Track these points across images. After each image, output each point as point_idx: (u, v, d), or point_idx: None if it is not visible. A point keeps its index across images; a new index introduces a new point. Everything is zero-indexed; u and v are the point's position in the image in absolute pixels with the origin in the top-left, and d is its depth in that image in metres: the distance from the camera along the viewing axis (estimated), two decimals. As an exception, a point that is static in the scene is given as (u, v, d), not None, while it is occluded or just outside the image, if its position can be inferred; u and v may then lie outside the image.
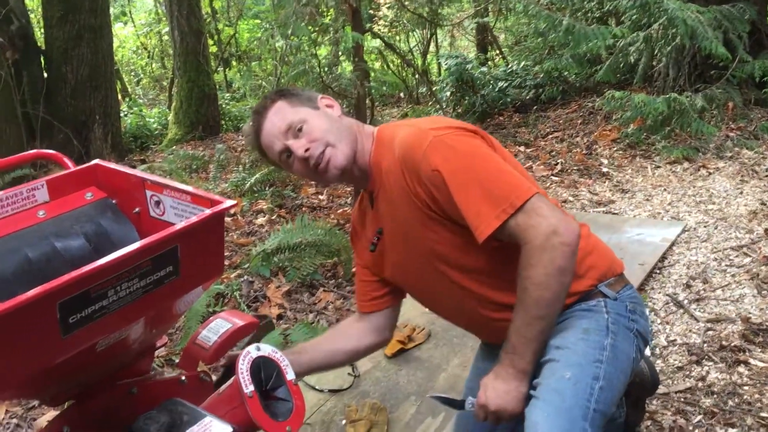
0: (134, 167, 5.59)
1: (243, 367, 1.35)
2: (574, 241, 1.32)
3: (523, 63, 7.89)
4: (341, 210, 4.68)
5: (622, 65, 6.33)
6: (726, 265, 3.20)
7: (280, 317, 3.15)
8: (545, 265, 1.30)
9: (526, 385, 1.39)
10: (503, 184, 1.36)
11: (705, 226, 3.71)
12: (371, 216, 1.66)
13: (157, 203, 1.45)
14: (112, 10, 8.53)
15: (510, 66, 8.15)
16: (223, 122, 8.69)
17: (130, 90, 11.75)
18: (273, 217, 4.62)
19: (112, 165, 1.54)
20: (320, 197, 5.15)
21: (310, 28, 4.89)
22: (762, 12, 5.87)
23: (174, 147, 7.49)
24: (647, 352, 2.52)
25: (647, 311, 2.80)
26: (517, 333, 1.37)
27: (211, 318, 1.63)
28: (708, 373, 2.37)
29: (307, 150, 1.51)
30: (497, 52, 9.73)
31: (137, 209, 1.50)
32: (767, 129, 5.14)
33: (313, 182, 5.47)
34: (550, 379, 1.38)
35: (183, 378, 1.54)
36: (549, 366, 1.42)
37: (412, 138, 1.45)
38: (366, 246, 1.71)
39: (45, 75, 6.28)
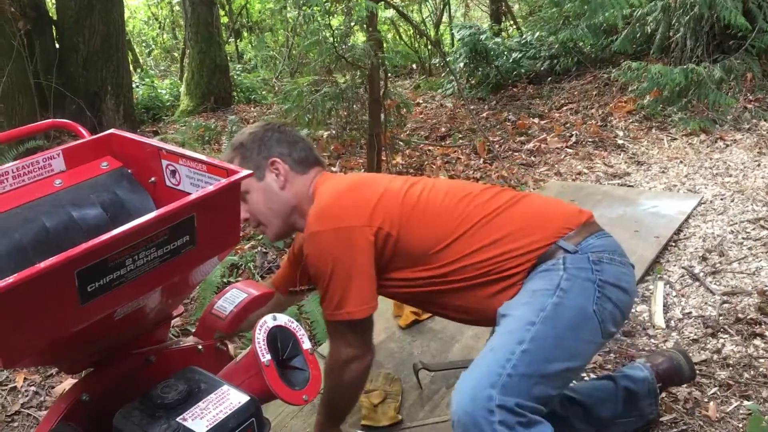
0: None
1: (260, 337, 1.35)
2: (363, 372, 1.68)
3: (537, 33, 7.76)
4: (354, 182, 4.66)
5: (638, 35, 6.23)
6: (742, 238, 3.17)
7: (293, 288, 3.16)
8: (334, 381, 1.69)
9: None
10: (338, 294, 1.59)
11: (721, 199, 3.67)
12: None
13: (173, 173, 1.44)
14: (122, -20, 8.44)
15: (524, 37, 8.03)
16: (234, 93, 8.65)
17: (141, 61, 11.71)
18: (286, 189, 4.61)
19: (128, 134, 1.53)
20: (333, 169, 5.14)
21: (322, -2, 4.82)
22: (784, -20, 5.73)
23: (186, 118, 7.47)
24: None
25: (662, 283, 2.78)
26: (319, 413, 1.82)
27: (226, 288, 1.63)
28: (723, 345, 2.36)
29: (246, 219, 1.77)
30: (511, 22, 9.59)
31: (153, 179, 1.49)
32: (786, 100, 5.06)
33: (326, 153, 5.46)
34: (478, 356, 1.47)
35: (200, 347, 1.55)
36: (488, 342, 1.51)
37: (308, 223, 1.64)
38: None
39: (57, 45, 6.26)
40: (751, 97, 5.23)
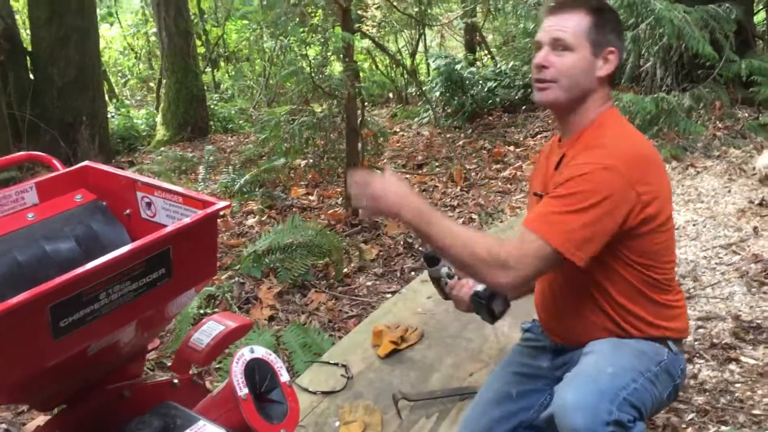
0: (122, 169, 5.52)
1: (237, 370, 1.33)
2: (508, 289, 1.54)
3: (511, 63, 7.90)
4: (332, 211, 4.67)
5: (610, 65, 6.35)
6: (715, 263, 3.21)
7: (271, 318, 3.13)
8: (490, 263, 1.45)
9: (396, 214, 1.50)
10: (553, 222, 1.47)
11: (694, 225, 3.72)
12: (551, 175, 1.71)
13: (149, 205, 1.43)
14: (98, 11, 8.46)
15: (499, 66, 8.16)
16: (211, 123, 8.65)
17: (117, 91, 11.68)
18: (263, 218, 4.60)
19: (102, 166, 1.53)
20: (310, 198, 5.14)
21: (299, 29, 4.87)
22: (748, 12, 5.90)
23: (162, 148, 7.45)
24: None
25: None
26: (441, 216, 1.53)
27: (203, 320, 1.61)
28: (700, 370, 2.38)
29: (543, 66, 1.61)
30: (486, 52, 9.74)
31: (128, 211, 1.48)
32: (754, 128, 5.17)
33: (303, 182, 5.47)
34: (590, 368, 1.50)
35: (175, 381, 1.53)
36: (593, 358, 1.53)
37: (603, 148, 1.54)
38: (533, 185, 1.85)
39: (31, 76, 6.23)
40: (720, 125, 5.35)
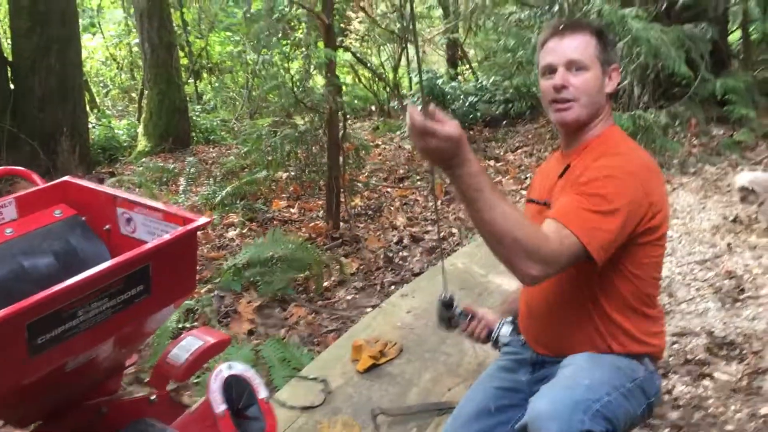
0: (102, 180, 5.51)
1: (215, 386, 1.34)
2: (531, 281, 1.45)
3: (492, 78, 7.98)
4: (313, 224, 4.67)
5: (589, 82, 6.43)
6: (690, 279, 3.26)
7: (251, 333, 3.13)
8: (529, 255, 1.39)
9: (446, 170, 1.40)
10: (584, 219, 1.51)
11: (669, 241, 3.78)
12: (555, 183, 1.75)
13: (128, 220, 1.44)
14: (80, 21, 8.43)
15: (480, 81, 8.24)
16: (193, 134, 8.63)
17: (98, 101, 11.61)
18: (244, 231, 4.59)
19: (82, 182, 1.53)
20: (291, 210, 5.14)
21: (282, 42, 4.89)
22: (723, 32, 6.02)
23: (143, 159, 7.41)
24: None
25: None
26: (493, 185, 1.40)
27: (182, 335, 1.62)
28: (674, 386, 2.42)
29: (562, 87, 1.66)
30: (467, 67, 9.83)
31: (107, 226, 1.48)
32: (729, 146, 5.27)
33: (284, 195, 5.46)
34: (566, 380, 1.54)
35: (153, 397, 1.53)
36: (570, 371, 1.57)
37: (619, 156, 1.62)
38: (530, 193, 1.90)
39: (12, 87, 6.18)
40: (695, 142, 5.44)
